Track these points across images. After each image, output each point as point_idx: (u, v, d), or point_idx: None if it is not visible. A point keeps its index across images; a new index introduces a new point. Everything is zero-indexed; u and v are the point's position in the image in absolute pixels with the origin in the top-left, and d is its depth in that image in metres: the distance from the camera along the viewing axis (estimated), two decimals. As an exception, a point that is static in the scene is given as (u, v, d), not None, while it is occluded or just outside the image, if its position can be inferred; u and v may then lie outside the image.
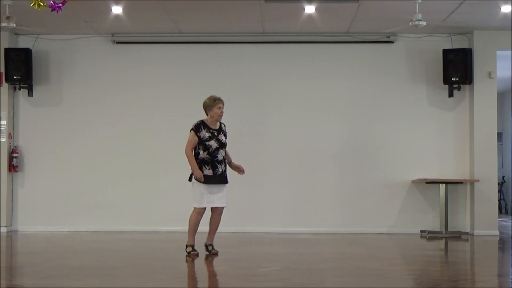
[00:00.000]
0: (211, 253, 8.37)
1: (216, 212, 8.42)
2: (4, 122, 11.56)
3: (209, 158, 8.28)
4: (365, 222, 11.59)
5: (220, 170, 8.32)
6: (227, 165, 8.51)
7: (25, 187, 11.77)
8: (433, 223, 11.54)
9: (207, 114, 8.51)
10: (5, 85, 11.59)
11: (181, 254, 8.79)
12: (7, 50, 11.51)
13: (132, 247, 9.72)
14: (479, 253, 9.74)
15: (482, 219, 11.36)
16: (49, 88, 11.85)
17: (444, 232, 11.23)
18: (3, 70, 11.50)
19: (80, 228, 11.60)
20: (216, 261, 8.06)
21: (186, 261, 7.92)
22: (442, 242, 10.59)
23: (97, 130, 11.82)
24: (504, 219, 14.82)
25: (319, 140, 11.75)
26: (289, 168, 11.73)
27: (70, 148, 11.79)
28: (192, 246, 8.32)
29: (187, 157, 8.32)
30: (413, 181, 11.60)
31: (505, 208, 17.23)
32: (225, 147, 8.43)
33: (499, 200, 15.78)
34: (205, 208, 8.35)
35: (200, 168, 8.25)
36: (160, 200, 11.67)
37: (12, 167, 11.59)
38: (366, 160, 11.70)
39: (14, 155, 11.61)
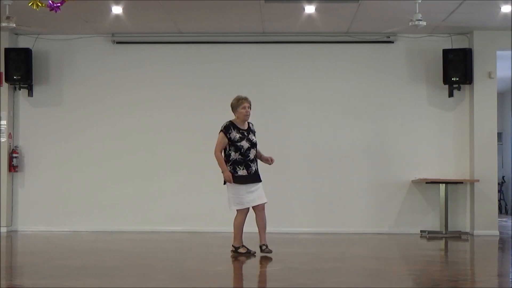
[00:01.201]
0: (265, 252, 8.28)
1: (258, 209, 8.41)
2: (4, 122, 11.56)
3: (242, 159, 8.31)
4: (365, 222, 11.59)
5: (254, 168, 8.37)
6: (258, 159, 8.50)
7: (25, 187, 11.77)
8: (433, 223, 11.54)
9: (235, 115, 8.50)
10: (5, 85, 11.59)
11: (181, 254, 8.80)
12: (7, 50, 11.51)
13: (132, 247, 9.73)
14: (479, 253, 9.73)
15: (482, 219, 11.35)
16: (49, 88, 11.85)
17: (444, 232, 11.23)
18: (3, 70, 11.50)
19: (80, 228, 11.60)
20: (216, 261, 8.06)
21: (236, 259, 8.00)
22: (442, 242, 10.59)
23: (97, 130, 11.82)
24: (504, 219, 14.82)
25: (318, 140, 11.74)
26: (288, 168, 11.71)
27: (70, 148, 11.79)
28: (243, 245, 8.34)
29: (217, 159, 8.30)
30: (413, 181, 11.60)
31: (505, 208, 17.23)
32: (256, 146, 8.44)
33: (499, 200, 15.78)
34: (248, 209, 8.36)
35: (234, 170, 8.27)
36: (160, 200, 11.67)
37: (12, 167, 11.59)
38: (366, 160, 11.69)
39: (14, 155, 11.60)
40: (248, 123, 8.48)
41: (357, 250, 9.39)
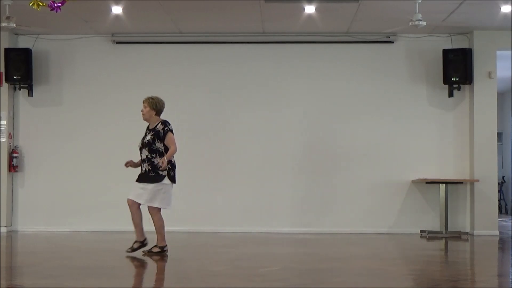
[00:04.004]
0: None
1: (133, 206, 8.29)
2: (4, 122, 11.56)
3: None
4: (365, 222, 11.59)
5: (144, 169, 8.27)
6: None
7: (25, 187, 11.77)
8: (433, 223, 11.54)
9: None
10: (5, 85, 11.59)
11: (181, 254, 8.80)
12: (7, 50, 11.50)
13: (132, 247, 9.71)
14: (479, 253, 9.74)
15: (482, 219, 11.35)
16: (49, 88, 11.85)
17: (444, 232, 11.23)
18: (3, 70, 11.50)
19: (80, 228, 11.60)
20: (216, 261, 8.06)
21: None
22: (442, 242, 10.59)
23: (97, 130, 11.82)
24: (504, 219, 14.82)
25: (318, 140, 11.74)
26: (290, 168, 11.72)
27: (70, 148, 11.79)
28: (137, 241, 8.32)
29: None
30: (413, 181, 11.60)
31: (505, 208, 17.23)
32: (148, 146, 8.25)
33: (499, 200, 15.78)
34: (131, 200, 8.26)
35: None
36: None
37: (12, 167, 11.59)
38: (366, 160, 11.69)
39: (14, 155, 11.61)
40: (161, 122, 8.37)
41: (357, 250, 9.39)
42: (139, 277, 6.85)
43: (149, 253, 8.23)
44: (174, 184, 8.32)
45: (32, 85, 11.68)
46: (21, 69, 11.47)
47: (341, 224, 11.58)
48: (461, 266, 8.19)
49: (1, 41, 11.47)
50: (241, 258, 8.35)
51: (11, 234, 11.18)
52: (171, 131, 8.33)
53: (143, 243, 8.31)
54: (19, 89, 11.76)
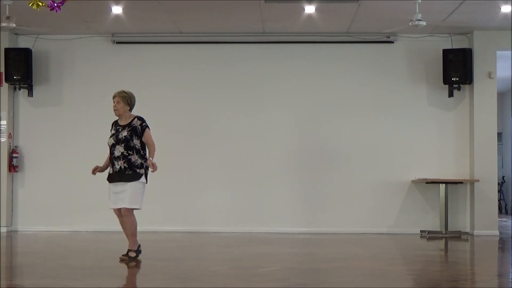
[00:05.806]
0: (123, 259, 7.82)
1: (120, 214, 7.96)
2: (4, 122, 11.56)
3: (111, 156, 7.98)
4: (365, 222, 11.59)
5: (118, 167, 7.83)
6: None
7: (25, 187, 11.77)
8: (433, 223, 11.54)
9: None
10: (5, 85, 11.59)
11: (181, 254, 8.80)
12: (7, 50, 11.51)
13: (132, 247, 9.70)
14: (479, 253, 9.73)
15: (482, 219, 11.35)
16: (49, 88, 11.85)
17: (444, 232, 11.23)
18: (3, 70, 11.50)
19: (80, 228, 11.59)
20: (216, 261, 8.06)
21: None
22: (442, 242, 10.59)
23: (97, 130, 11.77)
24: (504, 219, 14.82)
25: (318, 140, 11.74)
26: (290, 168, 11.73)
27: (70, 148, 11.79)
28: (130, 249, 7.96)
29: None
30: (413, 181, 11.60)
31: (505, 208, 17.23)
32: (124, 143, 7.83)
33: (499, 200, 15.78)
34: (117, 210, 7.96)
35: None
36: (160, 200, 11.66)
37: (12, 167, 11.59)
38: (366, 160, 11.69)
39: (14, 155, 11.61)
40: (136, 118, 8.04)
41: (357, 250, 9.38)
42: (139, 277, 6.85)
43: (128, 258, 7.82)
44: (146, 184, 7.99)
45: (32, 85, 11.68)
46: (21, 69, 11.47)
47: (341, 224, 11.58)
48: (461, 266, 8.19)
49: (1, 41, 11.48)
50: (241, 258, 8.35)
51: (11, 234, 11.18)
52: (148, 127, 7.96)
53: (137, 252, 8.01)
54: (19, 89, 11.76)
